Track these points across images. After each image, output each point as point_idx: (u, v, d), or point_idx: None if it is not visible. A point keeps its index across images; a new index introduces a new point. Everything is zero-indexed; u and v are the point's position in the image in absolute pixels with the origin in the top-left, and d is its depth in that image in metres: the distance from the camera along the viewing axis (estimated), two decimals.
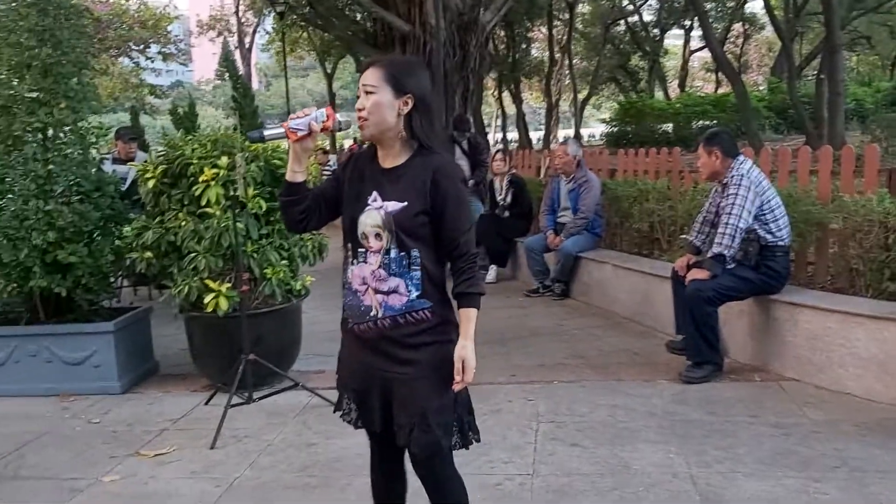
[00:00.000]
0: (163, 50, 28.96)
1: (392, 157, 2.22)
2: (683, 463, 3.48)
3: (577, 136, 29.51)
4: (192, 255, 4.52)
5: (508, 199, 7.90)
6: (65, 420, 4.51)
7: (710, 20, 26.41)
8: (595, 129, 43.05)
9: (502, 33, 24.23)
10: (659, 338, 5.38)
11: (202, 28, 34.99)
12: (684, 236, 5.18)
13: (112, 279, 5.40)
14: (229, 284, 4.52)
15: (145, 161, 5.23)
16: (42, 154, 4.81)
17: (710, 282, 4.50)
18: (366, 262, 2.17)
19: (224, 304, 4.49)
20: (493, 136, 34.25)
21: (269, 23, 32.20)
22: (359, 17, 15.76)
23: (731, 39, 33.25)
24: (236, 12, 32.35)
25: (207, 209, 4.51)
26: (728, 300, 4.59)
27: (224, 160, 4.51)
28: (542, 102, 32.36)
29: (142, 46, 28.81)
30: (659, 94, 32.33)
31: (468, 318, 2.19)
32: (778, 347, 4.61)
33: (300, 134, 2.19)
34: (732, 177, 4.54)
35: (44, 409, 4.68)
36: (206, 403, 4.59)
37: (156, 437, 4.19)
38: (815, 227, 4.87)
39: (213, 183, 4.47)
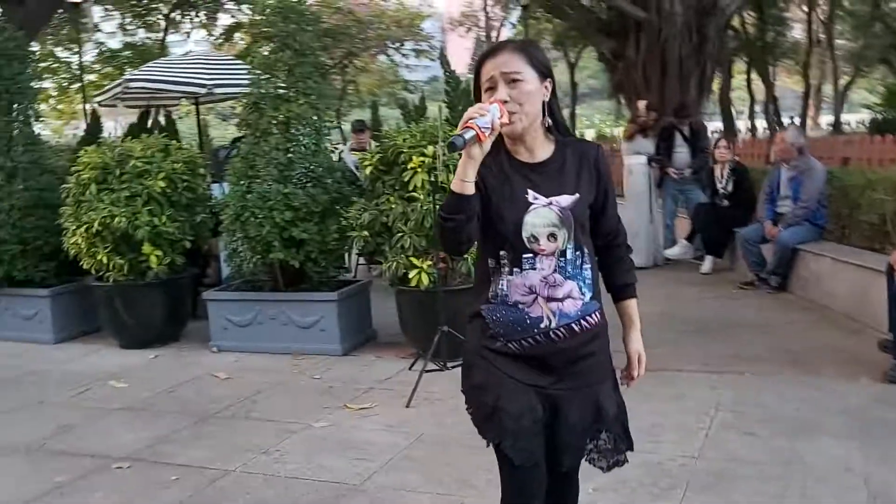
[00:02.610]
0: (416, 47, 30.75)
1: (537, 150, 1.98)
2: (862, 460, 3.35)
3: (838, 123, 27.13)
4: (400, 234, 5.00)
5: (729, 187, 7.65)
6: (293, 375, 5.20)
7: None
8: (864, 116, 39.17)
9: (751, 16, 22.88)
10: (873, 336, 5.02)
11: (453, 24, 36.54)
12: None
13: (343, 254, 6.08)
14: (431, 262, 4.95)
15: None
16: (283, 144, 5.54)
17: None
18: (533, 269, 1.91)
19: (426, 280, 4.94)
20: (744, 123, 32.34)
21: (516, 16, 32.98)
22: (593, 6, 15.78)
23: None
24: (484, 7, 33.40)
25: (414, 193, 4.96)
26: None
27: (430, 149, 4.94)
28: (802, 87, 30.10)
29: (397, 44, 30.84)
30: None
31: (635, 310, 2.10)
32: None
33: (487, 134, 1.81)
34: None
35: (278, 364, 5.42)
36: (410, 368, 5.06)
37: (363, 393, 4.72)
38: None
39: (419, 170, 4.91)
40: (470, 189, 1.82)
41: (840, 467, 3.29)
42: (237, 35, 24.83)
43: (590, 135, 28.80)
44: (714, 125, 29.91)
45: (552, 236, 1.91)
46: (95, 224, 5.66)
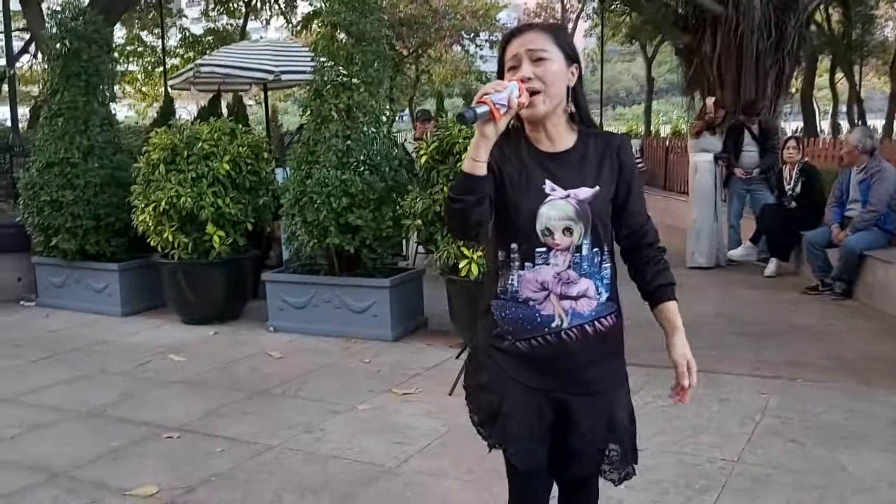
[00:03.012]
0: (490, 38, 30.67)
1: (558, 139, 1.89)
2: None
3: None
4: None
5: (797, 189, 7.43)
6: (343, 357, 5.32)
7: None
8: None
9: (836, 12, 22.06)
10: None
11: (529, 16, 36.35)
12: None
13: (401, 241, 6.16)
14: (480, 252, 4.97)
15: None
16: (343, 131, 5.64)
17: None
18: (546, 264, 1.83)
19: (475, 270, 4.96)
20: (828, 123, 31.22)
21: (592, 8, 32.58)
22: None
23: None
24: None
25: None
26: None
27: None
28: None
29: (472, 35, 30.81)
30: None
31: (676, 313, 1.93)
32: None
33: (503, 112, 1.71)
34: None
35: (330, 346, 5.54)
36: (457, 357, 5.09)
37: (409, 379, 4.80)
38: None
39: None
40: (481, 170, 1.73)
41: (882, 480, 3.20)
42: (315, 23, 25.25)
43: (665, 130, 28.23)
44: (795, 124, 29.04)
45: (568, 230, 1.82)
46: (162, 203, 5.88)
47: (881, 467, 3.33)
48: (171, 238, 6.03)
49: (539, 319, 1.85)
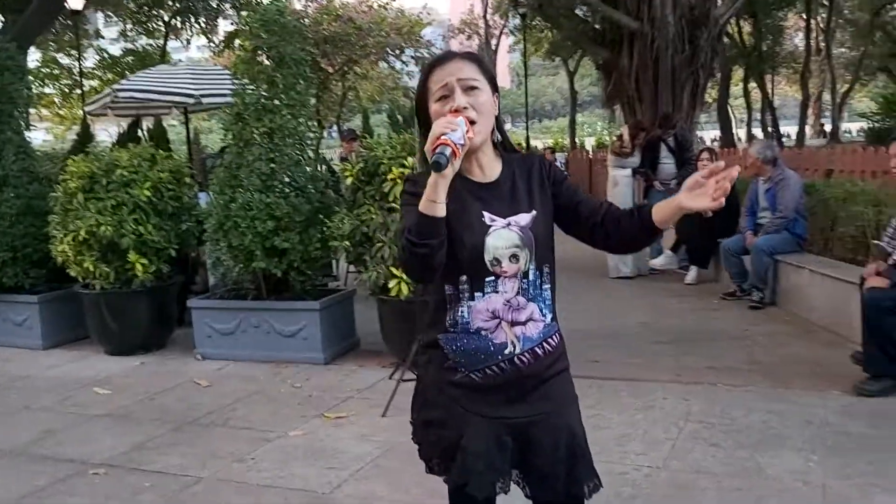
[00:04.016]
0: (415, 55, 30.84)
1: (488, 167, 1.89)
2: (821, 473, 3.40)
3: (835, 132, 27.16)
4: (380, 244, 5.07)
5: None
6: (274, 383, 5.26)
7: None
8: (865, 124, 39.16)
9: (748, 24, 22.98)
10: (849, 349, 5.07)
11: (453, 32, 36.74)
12: (876, 242, 4.87)
13: (331, 262, 6.14)
14: None
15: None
16: (266, 154, 5.61)
17: (889, 290, 4.25)
18: (496, 292, 1.82)
19: (405, 290, 4.99)
20: (742, 132, 32.43)
21: (514, 24, 33.10)
22: (588, 16, 15.87)
23: None
24: (484, 15, 33.58)
25: (394, 204, 5.02)
26: None
27: (410, 160, 5.00)
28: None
29: (397, 51, 30.92)
30: None
31: (665, 202, 1.83)
32: None
33: (462, 150, 1.70)
34: None
35: (260, 372, 5.48)
36: (390, 377, 5.10)
37: (341, 402, 4.78)
38: None
39: (399, 181, 4.97)
40: (441, 211, 1.69)
41: (798, 480, 3.34)
42: (237, 42, 24.97)
43: (589, 143, 28.84)
44: (714, 132, 30.00)
45: (514, 257, 1.82)
46: (82, 232, 5.74)
47: (798, 467, 3.47)
48: (91, 268, 5.88)
49: (492, 348, 1.84)
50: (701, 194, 1.74)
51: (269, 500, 3.48)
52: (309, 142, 5.81)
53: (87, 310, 6.21)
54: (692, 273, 7.78)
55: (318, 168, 5.94)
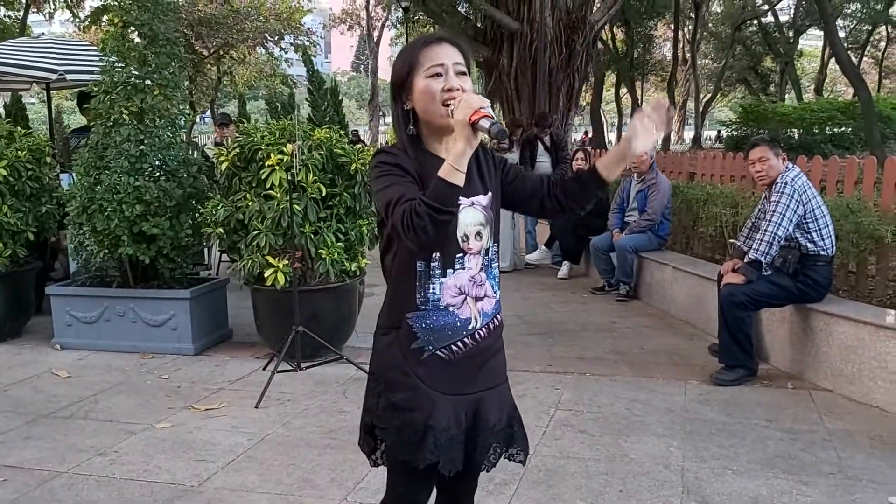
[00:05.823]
0: (295, 42, 30.30)
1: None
2: (680, 456, 3.59)
3: (697, 138, 28.68)
4: (256, 232, 4.95)
5: None
6: (140, 374, 5.05)
7: (854, 22, 25.05)
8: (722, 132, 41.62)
9: (621, 31, 23.93)
10: (707, 340, 5.41)
11: (334, 22, 36.31)
12: (732, 241, 5.19)
13: (202, 250, 5.94)
14: (287, 261, 4.92)
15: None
16: (136, 136, 5.35)
17: (743, 286, 4.53)
18: (463, 269, 1.90)
19: (282, 279, 4.90)
20: (613, 136, 33.75)
21: (397, 17, 33.07)
22: (470, 13, 16.06)
23: (874, 43, 31.40)
24: (366, 6, 33.36)
25: (271, 191, 4.92)
26: (764, 306, 4.62)
27: (289, 147, 4.91)
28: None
29: (276, 38, 30.27)
30: (791, 98, 31.00)
31: (608, 154, 1.97)
32: (814, 357, 4.58)
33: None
34: (776, 184, 4.54)
35: (125, 363, 5.24)
36: (264, 369, 5.01)
37: (212, 394, 4.64)
38: (868, 239, 4.79)
39: (277, 167, 4.88)
40: (462, 180, 1.74)
41: (659, 464, 3.52)
42: (106, 17, 23.71)
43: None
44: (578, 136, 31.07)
45: (479, 235, 1.91)
46: None
47: (658, 452, 3.65)
48: None
49: (458, 324, 1.91)
50: (645, 134, 1.87)
51: (134, 493, 3.34)
52: (182, 124, 5.59)
53: None
54: (564, 268, 8.03)
55: (191, 152, 5.70)
